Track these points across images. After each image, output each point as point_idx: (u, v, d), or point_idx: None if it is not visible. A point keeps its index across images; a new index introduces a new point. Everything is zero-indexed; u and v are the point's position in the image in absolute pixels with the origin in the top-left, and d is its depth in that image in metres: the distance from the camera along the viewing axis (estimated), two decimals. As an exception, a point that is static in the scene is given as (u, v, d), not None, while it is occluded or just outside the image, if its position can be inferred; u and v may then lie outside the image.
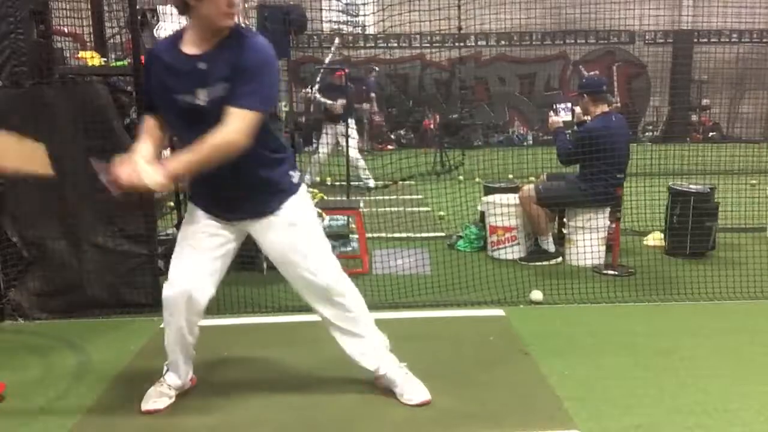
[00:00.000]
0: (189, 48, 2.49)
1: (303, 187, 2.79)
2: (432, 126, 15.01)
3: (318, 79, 9.06)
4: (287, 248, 2.73)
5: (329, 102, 8.86)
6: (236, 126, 2.40)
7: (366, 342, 2.88)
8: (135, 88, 4.11)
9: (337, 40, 8.47)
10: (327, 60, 9.28)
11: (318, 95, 8.94)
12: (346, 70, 9.23)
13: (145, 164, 2.41)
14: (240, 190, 2.65)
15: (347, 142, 8.27)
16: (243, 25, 2.82)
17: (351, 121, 8.78)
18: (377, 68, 14.77)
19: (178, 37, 2.55)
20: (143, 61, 2.43)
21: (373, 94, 14.43)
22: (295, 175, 2.76)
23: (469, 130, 14.51)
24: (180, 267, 2.71)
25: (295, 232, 2.71)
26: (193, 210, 2.75)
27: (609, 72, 15.51)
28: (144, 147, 2.55)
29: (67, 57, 4.69)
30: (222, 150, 2.40)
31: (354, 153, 8.63)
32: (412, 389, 2.88)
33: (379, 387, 2.95)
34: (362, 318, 2.88)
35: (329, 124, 9.10)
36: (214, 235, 2.72)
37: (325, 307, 2.81)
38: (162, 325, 2.84)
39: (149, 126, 2.65)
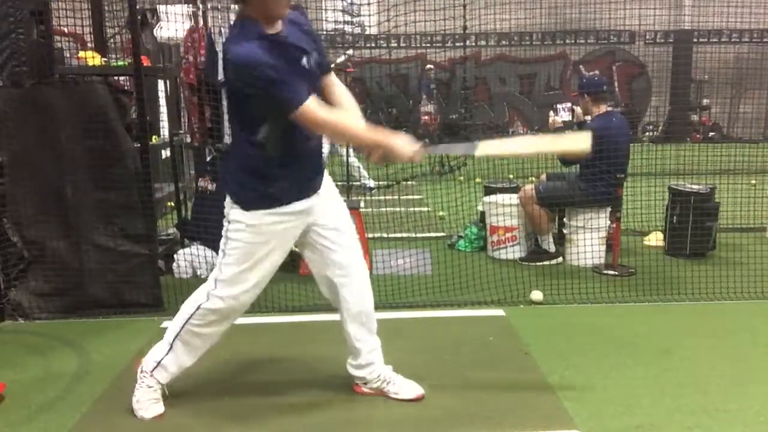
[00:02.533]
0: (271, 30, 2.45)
1: None
2: (433, 122, 14.97)
3: None
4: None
5: None
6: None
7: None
8: (135, 88, 4.11)
9: (346, 33, 8.42)
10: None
11: None
12: (350, 69, 9.18)
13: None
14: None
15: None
16: None
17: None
18: (431, 66, 14.66)
19: (250, 30, 2.42)
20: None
21: (424, 96, 14.23)
22: None
23: (470, 130, 14.50)
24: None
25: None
26: None
27: (609, 72, 15.51)
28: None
29: (67, 57, 4.70)
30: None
31: (350, 153, 8.59)
32: (406, 386, 2.91)
33: (367, 391, 2.92)
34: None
35: None
36: None
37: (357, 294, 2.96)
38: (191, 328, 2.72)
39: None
